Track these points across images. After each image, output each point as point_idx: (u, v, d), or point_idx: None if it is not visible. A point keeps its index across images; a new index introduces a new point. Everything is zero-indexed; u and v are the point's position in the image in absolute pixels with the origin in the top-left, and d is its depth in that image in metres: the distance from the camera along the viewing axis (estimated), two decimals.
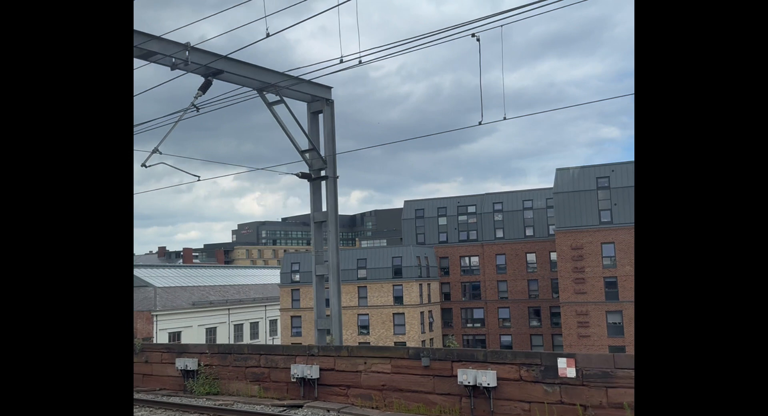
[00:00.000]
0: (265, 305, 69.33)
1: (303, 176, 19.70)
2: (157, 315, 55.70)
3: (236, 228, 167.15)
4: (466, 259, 60.75)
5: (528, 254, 58.35)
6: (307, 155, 19.90)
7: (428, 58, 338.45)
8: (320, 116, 20.38)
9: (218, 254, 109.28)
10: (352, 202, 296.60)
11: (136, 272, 64.15)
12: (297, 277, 59.84)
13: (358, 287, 57.19)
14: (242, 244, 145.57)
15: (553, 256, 54.73)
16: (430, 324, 57.37)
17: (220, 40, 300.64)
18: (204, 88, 16.64)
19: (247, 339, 63.77)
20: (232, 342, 60.50)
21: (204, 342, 58.19)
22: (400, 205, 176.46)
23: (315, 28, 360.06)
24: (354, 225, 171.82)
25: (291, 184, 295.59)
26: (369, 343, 54.92)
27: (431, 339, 56.78)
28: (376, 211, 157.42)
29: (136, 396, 18.72)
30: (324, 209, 20.13)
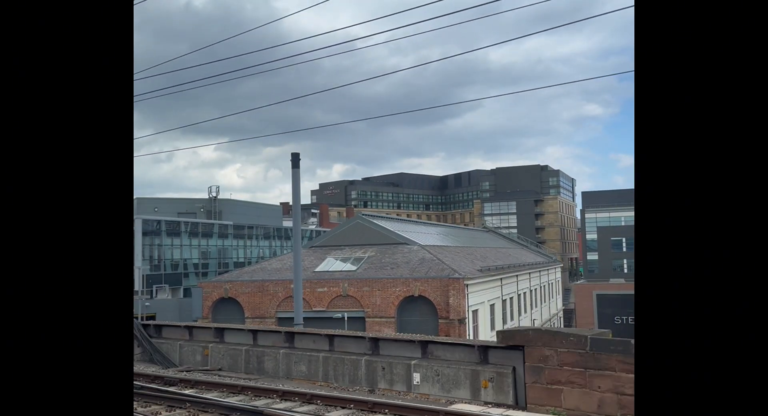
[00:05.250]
0: (536, 271, 52.78)
1: None
2: (468, 285, 38.59)
3: (317, 188, 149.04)
4: None
5: None
6: None
7: (417, 30, 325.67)
8: None
9: (348, 212, 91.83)
10: (333, 175, 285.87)
11: (385, 224, 46.47)
12: None
13: None
14: (330, 205, 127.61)
15: None
16: None
17: (206, 6, 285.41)
18: None
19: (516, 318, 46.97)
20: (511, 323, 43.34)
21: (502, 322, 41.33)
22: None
23: None
24: (445, 188, 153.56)
25: (272, 156, 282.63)
26: None
27: None
28: (496, 169, 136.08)
29: None
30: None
